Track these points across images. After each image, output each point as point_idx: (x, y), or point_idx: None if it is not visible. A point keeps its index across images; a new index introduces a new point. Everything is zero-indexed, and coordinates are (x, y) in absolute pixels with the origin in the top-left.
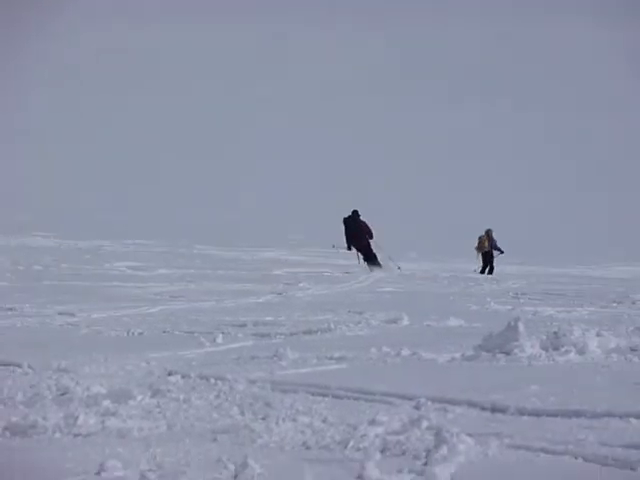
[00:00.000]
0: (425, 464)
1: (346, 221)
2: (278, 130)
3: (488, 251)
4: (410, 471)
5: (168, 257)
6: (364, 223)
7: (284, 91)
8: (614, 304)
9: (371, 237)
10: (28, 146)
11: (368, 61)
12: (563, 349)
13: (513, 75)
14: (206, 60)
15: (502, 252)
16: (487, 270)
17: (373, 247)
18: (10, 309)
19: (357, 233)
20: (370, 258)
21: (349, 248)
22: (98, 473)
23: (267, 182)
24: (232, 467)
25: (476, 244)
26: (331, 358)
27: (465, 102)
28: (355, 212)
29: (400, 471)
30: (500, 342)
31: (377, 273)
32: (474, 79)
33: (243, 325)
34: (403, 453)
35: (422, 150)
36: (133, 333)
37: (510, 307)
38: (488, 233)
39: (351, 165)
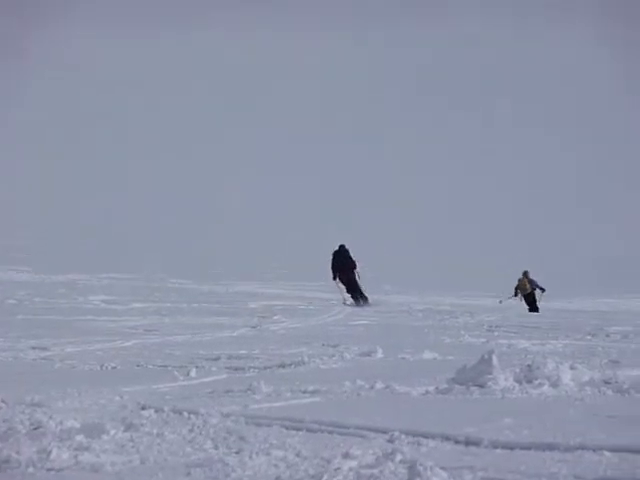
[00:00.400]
0: None
1: (335, 254)
2: (256, 152)
3: (530, 292)
4: None
5: (143, 291)
6: (351, 258)
7: (262, 110)
8: (588, 337)
9: (355, 267)
10: None
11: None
12: (537, 382)
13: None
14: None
15: (544, 290)
16: (531, 310)
17: (358, 280)
18: None
19: (345, 267)
20: (356, 292)
21: (334, 278)
22: None
23: (243, 212)
24: None
25: (516, 285)
26: (305, 392)
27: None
28: (342, 246)
29: None
30: (474, 375)
31: (354, 308)
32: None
33: (217, 359)
34: None
35: (400, 186)
36: (107, 367)
37: (484, 340)
38: (526, 275)
39: (331, 196)
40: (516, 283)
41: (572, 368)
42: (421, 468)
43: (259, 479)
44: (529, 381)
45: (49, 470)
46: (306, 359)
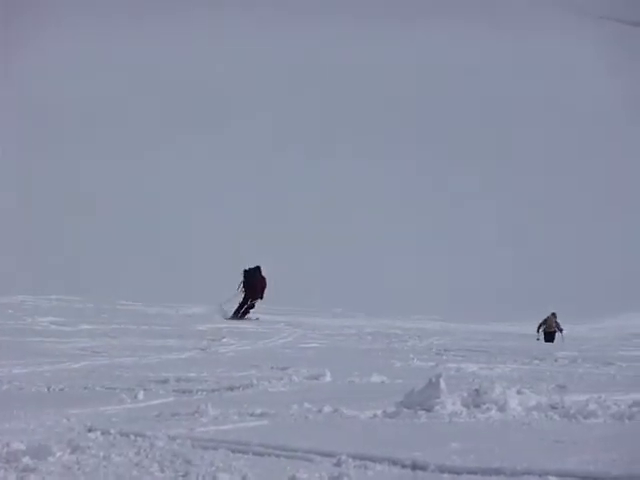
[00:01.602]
0: None
1: (246, 273)
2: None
3: (554, 331)
4: None
5: (91, 312)
6: (263, 280)
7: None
8: (536, 361)
9: (262, 297)
10: None
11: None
12: (484, 406)
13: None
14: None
15: (562, 331)
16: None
17: (255, 303)
18: None
19: (253, 286)
20: (241, 308)
21: (239, 288)
22: None
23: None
24: None
25: (541, 322)
26: (252, 414)
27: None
28: (258, 267)
29: None
30: (421, 399)
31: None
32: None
33: (165, 381)
34: None
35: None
36: (54, 389)
37: (433, 364)
38: (554, 315)
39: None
40: (542, 320)
41: (519, 393)
42: None
43: None
44: (477, 405)
45: None
46: (254, 382)
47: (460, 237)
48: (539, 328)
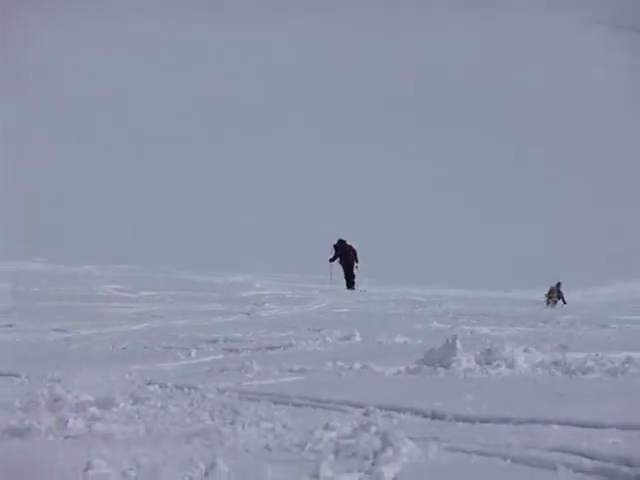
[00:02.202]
0: (373, 464)
1: (336, 246)
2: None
3: (556, 300)
4: (359, 470)
5: (149, 281)
6: (351, 247)
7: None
8: (541, 324)
9: (357, 260)
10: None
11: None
12: (495, 363)
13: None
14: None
15: (565, 303)
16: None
17: (355, 271)
18: (9, 326)
19: (345, 254)
20: (350, 278)
21: (332, 260)
22: (85, 471)
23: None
24: (203, 466)
25: (546, 292)
26: (291, 370)
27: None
28: (342, 240)
29: (350, 471)
30: (440, 357)
31: (338, 295)
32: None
33: (215, 341)
34: (353, 455)
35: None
36: (118, 348)
37: (450, 326)
38: (559, 285)
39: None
40: (549, 288)
41: (526, 351)
42: (392, 438)
43: (250, 447)
44: (488, 363)
45: (66, 437)
46: (293, 342)
47: (484, 210)
48: (546, 296)
